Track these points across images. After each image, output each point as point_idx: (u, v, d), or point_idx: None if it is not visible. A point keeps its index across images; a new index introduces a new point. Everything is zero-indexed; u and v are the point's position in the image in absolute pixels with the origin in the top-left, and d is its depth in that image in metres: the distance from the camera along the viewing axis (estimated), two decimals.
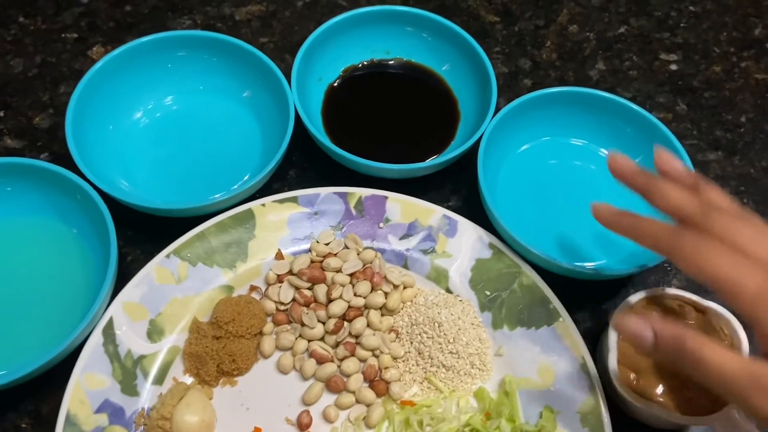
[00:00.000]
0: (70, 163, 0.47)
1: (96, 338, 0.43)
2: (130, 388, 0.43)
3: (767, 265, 0.32)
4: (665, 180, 0.38)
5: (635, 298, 0.45)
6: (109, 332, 0.43)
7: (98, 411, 0.41)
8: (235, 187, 0.51)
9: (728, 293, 0.32)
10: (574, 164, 0.55)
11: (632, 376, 0.43)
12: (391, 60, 0.60)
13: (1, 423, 0.44)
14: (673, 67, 0.64)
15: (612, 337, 0.43)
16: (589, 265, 0.49)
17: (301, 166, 0.56)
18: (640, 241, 0.37)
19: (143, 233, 0.51)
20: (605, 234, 0.51)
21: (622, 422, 0.44)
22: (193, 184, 0.53)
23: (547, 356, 0.45)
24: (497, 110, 0.52)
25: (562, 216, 0.53)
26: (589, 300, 0.50)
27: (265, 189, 0.53)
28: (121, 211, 0.48)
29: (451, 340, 0.45)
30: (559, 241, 0.51)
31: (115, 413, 0.42)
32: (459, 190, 0.55)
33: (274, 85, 0.53)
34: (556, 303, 0.46)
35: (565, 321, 0.45)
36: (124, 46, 0.52)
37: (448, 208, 0.52)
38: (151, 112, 0.55)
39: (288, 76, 0.52)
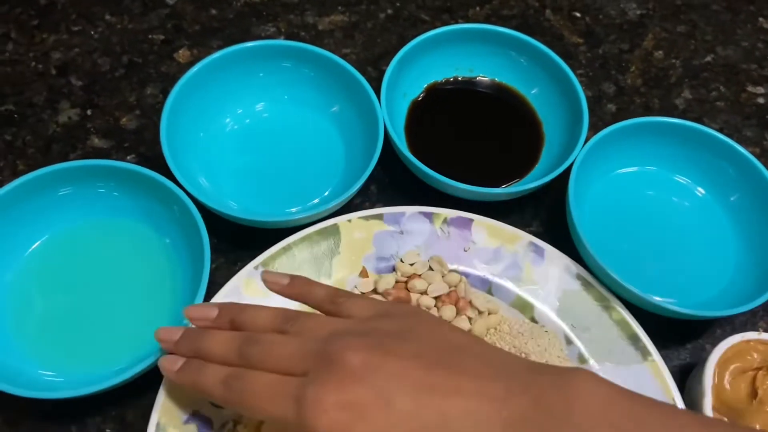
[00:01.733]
0: (156, 166, 0.47)
1: None
2: None
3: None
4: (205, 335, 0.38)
5: (733, 340, 0.44)
6: None
7: (187, 422, 0.41)
8: (325, 195, 0.51)
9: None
10: (662, 197, 0.54)
11: (726, 420, 0.42)
12: (475, 78, 0.59)
13: (84, 427, 0.44)
14: (761, 100, 0.62)
15: (707, 380, 0.42)
16: (678, 307, 0.48)
17: (382, 182, 0.55)
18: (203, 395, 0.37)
19: (226, 241, 0.51)
20: (691, 272, 0.51)
21: None
22: (274, 195, 0.53)
23: None
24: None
25: (645, 250, 0.52)
26: (675, 338, 0.49)
27: (347, 204, 0.53)
28: (205, 218, 0.48)
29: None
30: (642, 274, 0.50)
31: (204, 425, 0.42)
32: (539, 214, 0.55)
33: (362, 99, 0.52)
34: (646, 341, 0.45)
35: (656, 360, 0.45)
36: (221, 51, 0.52)
37: (530, 232, 0.51)
38: (240, 118, 0.55)
39: (372, 89, 0.52)
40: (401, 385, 0.31)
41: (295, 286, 0.40)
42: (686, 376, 0.47)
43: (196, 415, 0.42)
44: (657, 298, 0.45)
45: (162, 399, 0.41)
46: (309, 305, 0.40)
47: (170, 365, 0.38)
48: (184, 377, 0.37)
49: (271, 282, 0.40)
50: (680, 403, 0.43)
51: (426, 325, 0.35)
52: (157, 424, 0.41)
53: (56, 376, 0.43)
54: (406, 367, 0.32)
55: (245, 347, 0.35)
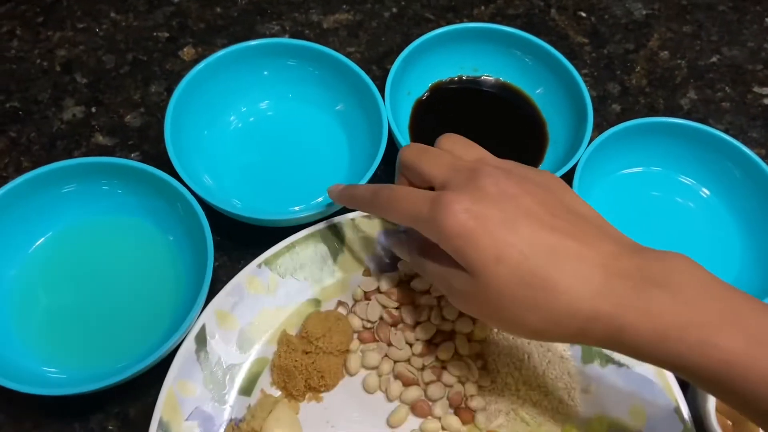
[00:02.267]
0: (160, 163, 0.47)
1: (189, 345, 0.43)
2: (220, 397, 0.43)
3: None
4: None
5: None
6: (201, 340, 0.43)
7: (189, 419, 0.42)
8: (324, 198, 0.51)
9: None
10: (667, 197, 0.54)
11: (729, 423, 0.41)
12: (480, 77, 0.59)
13: (87, 424, 0.44)
14: (767, 101, 0.62)
15: None
16: None
17: (385, 181, 0.55)
18: (355, 206, 0.44)
19: (230, 240, 0.51)
20: None
21: None
22: (277, 193, 0.53)
23: (641, 397, 0.44)
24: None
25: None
26: None
27: None
28: (209, 216, 0.48)
29: (541, 374, 0.44)
30: None
31: (206, 422, 0.42)
32: None
33: (366, 98, 0.52)
34: None
35: None
36: (226, 49, 0.52)
37: None
38: (244, 116, 0.55)
39: (376, 88, 0.52)
40: (528, 218, 0.34)
41: (343, 191, 0.46)
42: None
43: (198, 413, 0.42)
44: None
45: (165, 396, 0.41)
46: (357, 206, 0.44)
47: (334, 188, 0.46)
48: (344, 191, 0.45)
49: (330, 190, 0.46)
50: (683, 405, 0.43)
51: (560, 187, 0.38)
52: (160, 421, 0.41)
53: (59, 372, 0.43)
54: (536, 208, 0.35)
55: (380, 189, 0.40)
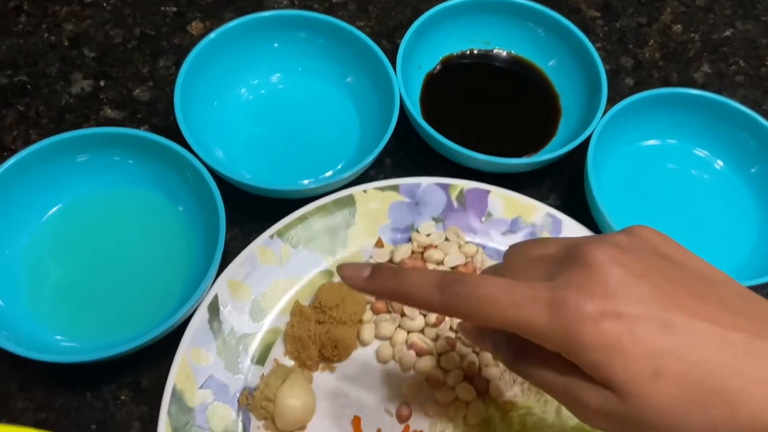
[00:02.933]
0: (169, 137, 0.47)
1: (202, 314, 0.43)
2: (233, 366, 0.43)
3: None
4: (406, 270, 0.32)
5: None
6: (214, 309, 0.43)
7: (203, 387, 0.41)
8: (339, 168, 0.51)
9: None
10: (682, 169, 0.53)
11: None
12: (491, 50, 0.58)
13: (99, 393, 0.44)
14: None
15: None
16: None
17: (396, 154, 0.55)
18: (406, 303, 0.32)
19: (241, 212, 0.50)
20: (712, 245, 0.50)
21: None
22: (288, 167, 0.52)
23: None
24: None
25: (664, 222, 0.51)
26: None
27: (362, 176, 0.52)
28: (219, 189, 0.48)
29: None
30: None
31: (220, 390, 0.42)
32: (556, 188, 0.54)
33: (377, 70, 0.52)
34: None
35: None
36: (234, 21, 0.51)
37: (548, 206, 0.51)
38: (255, 89, 0.54)
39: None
40: (675, 306, 0.27)
41: (381, 280, 0.32)
42: None
43: (212, 381, 0.42)
44: None
45: (178, 363, 0.41)
46: (412, 304, 0.31)
47: (356, 272, 0.32)
48: (378, 284, 0.32)
49: (349, 276, 0.33)
50: None
51: (679, 250, 0.30)
52: (173, 389, 0.40)
53: (70, 341, 0.43)
54: (675, 290, 0.27)
55: (452, 284, 0.30)
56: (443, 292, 0.30)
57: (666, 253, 0.30)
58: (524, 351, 0.31)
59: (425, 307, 0.31)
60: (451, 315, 0.31)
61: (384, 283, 0.32)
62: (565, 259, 0.29)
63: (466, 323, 0.35)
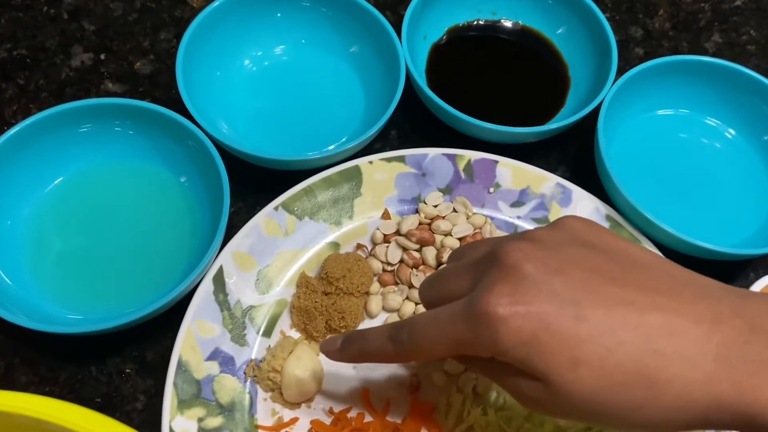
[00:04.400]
0: (173, 110, 0.46)
1: (207, 286, 0.42)
2: (239, 337, 0.42)
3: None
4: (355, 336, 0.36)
5: (763, 283, 0.43)
6: (219, 281, 0.43)
7: (209, 359, 0.41)
8: (343, 141, 0.50)
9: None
10: (693, 139, 0.52)
11: None
12: (498, 21, 0.57)
13: (104, 367, 0.44)
14: None
15: None
16: (713, 245, 0.47)
17: (402, 127, 0.54)
18: (373, 361, 0.36)
19: (243, 185, 0.50)
20: (724, 214, 0.50)
21: None
22: (292, 139, 0.51)
23: None
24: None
25: (676, 192, 0.50)
26: None
27: (367, 148, 0.51)
28: (223, 162, 0.47)
29: None
30: (673, 217, 0.49)
31: (226, 362, 0.41)
32: (565, 159, 0.53)
33: (382, 39, 0.51)
34: None
35: None
36: None
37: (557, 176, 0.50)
38: (258, 60, 0.53)
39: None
40: (589, 297, 0.27)
41: (348, 348, 0.36)
42: None
43: (217, 353, 0.41)
44: (691, 239, 0.44)
45: (183, 335, 0.41)
46: (377, 360, 0.35)
47: (330, 346, 0.37)
48: (347, 351, 0.36)
49: (324, 351, 0.37)
50: None
51: (595, 233, 0.31)
52: (179, 361, 0.40)
53: (74, 314, 0.43)
54: (590, 278, 0.28)
55: (397, 332, 0.33)
56: (394, 343, 0.33)
57: (589, 241, 0.30)
58: (476, 360, 0.32)
59: (387, 360, 0.35)
60: (406, 361, 0.36)
61: (351, 349, 0.36)
62: (486, 262, 0.30)
63: None
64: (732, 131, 0.52)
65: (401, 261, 0.46)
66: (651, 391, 0.27)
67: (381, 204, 0.48)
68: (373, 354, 0.34)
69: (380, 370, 0.43)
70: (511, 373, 0.29)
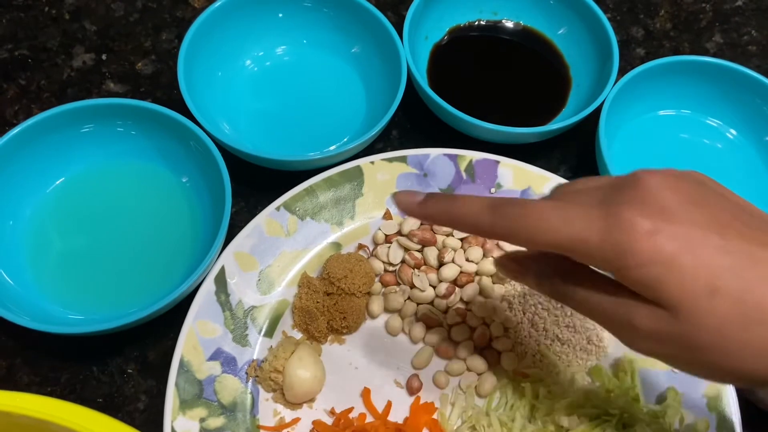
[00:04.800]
0: (174, 111, 0.46)
1: (208, 286, 0.42)
2: (241, 338, 0.42)
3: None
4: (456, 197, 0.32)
5: None
6: (221, 281, 0.43)
7: (211, 359, 0.41)
8: (344, 141, 0.50)
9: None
10: (694, 139, 0.53)
11: None
12: (500, 21, 0.57)
13: (106, 368, 0.44)
14: None
15: None
16: None
17: (403, 127, 0.54)
18: (456, 226, 0.32)
19: (245, 186, 0.50)
20: None
21: (750, 410, 0.42)
22: (293, 140, 0.51)
23: None
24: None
25: None
26: None
27: (368, 149, 0.51)
28: (225, 162, 0.47)
29: (569, 313, 0.43)
30: None
31: (228, 362, 0.41)
32: (567, 160, 0.53)
33: (383, 39, 0.51)
34: None
35: None
36: None
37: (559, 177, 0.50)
38: (260, 60, 0.54)
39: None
40: (731, 232, 0.27)
41: (433, 204, 0.32)
42: None
43: (219, 353, 0.41)
44: None
45: (185, 335, 0.41)
46: (462, 227, 0.31)
47: (410, 197, 0.32)
48: (431, 208, 0.32)
49: (402, 201, 0.33)
50: None
51: (720, 186, 0.30)
52: (181, 360, 0.40)
53: (76, 314, 0.43)
54: (729, 218, 0.27)
55: (504, 206, 0.29)
56: (494, 213, 0.29)
57: (715, 188, 0.29)
58: (570, 276, 0.30)
59: (476, 229, 0.31)
60: (501, 237, 0.30)
61: (435, 207, 0.32)
62: (619, 184, 0.28)
63: (504, 259, 0.34)
64: (733, 132, 0.52)
65: (403, 261, 0.46)
66: None
67: (382, 204, 0.48)
68: (462, 219, 0.31)
69: (382, 370, 0.43)
70: (627, 298, 0.28)
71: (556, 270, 0.31)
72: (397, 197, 0.33)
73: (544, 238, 0.28)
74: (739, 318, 0.26)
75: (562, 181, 0.48)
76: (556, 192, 0.32)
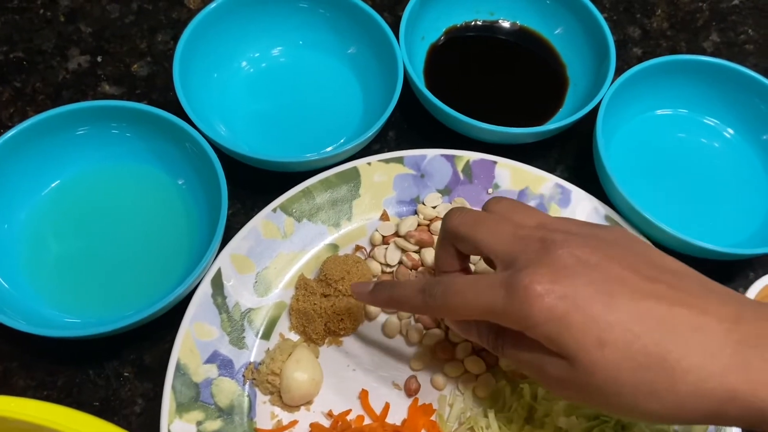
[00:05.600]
0: (170, 112, 0.46)
1: (205, 288, 0.42)
2: (238, 340, 0.42)
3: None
4: (396, 283, 0.38)
5: (763, 282, 0.43)
6: (217, 283, 0.42)
7: (207, 362, 0.41)
8: (341, 143, 0.50)
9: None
10: (691, 139, 0.52)
11: None
12: (496, 21, 0.57)
13: (102, 371, 0.44)
14: None
15: None
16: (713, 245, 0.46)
17: (400, 128, 0.54)
18: (400, 308, 0.40)
19: (242, 187, 0.50)
20: (724, 214, 0.49)
21: None
22: (290, 142, 0.51)
23: None
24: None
25: (675, 192, 0.50)
26: None
27: (365, 150, 0.51)
28: (221, 164, 0.47)
29: None
30: (672, 217, 0.48)
31: (224, 365, 0.41)
32: (564, 160, 0.53)
33: (380, 40, 0.51)
34: None
35: None
36: None
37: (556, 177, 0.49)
38: (256, 62, 0.53)
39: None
40: (623, 287, 0.30)
41: (379, 292, 0.38)
42: None
43: (216, 356, 0.41)
44: (690, 239, 0.44)
45: (182, 338, 0.40)
46: (405, 309, 0.39)
47: (362, 288, 0.38)
48: (378, 295, 0.37)
49: (355, 292, 0.39)
50: None
51: (639, 243, 0.34)
52: (177, 364, 0.40)
53: (72, 317, 0.43)
54: (627, 274, 0.31)
55: (431, 287, 0.35)
56: (424, 295, 0.35)
57: (629, 245, 0.33)
58: (501, 335, 0.34)
59: (415, 310, 0.39)
60: (434, 315, 0.38)
61: (381, 294, 0.37)
62: (534, 240, 0.32)
63: (452, 322, 0.38)
64: (730, 131, 0.52)
65: (400, 262, 0.45)
66: (669, 377, 0.29)
67: (380, 205, 0.47)
68: (402, 302, 0.36)
69: (380, 372, 0.43)
70: (538, 351, 0.31)
71: (490, 328, 0.35)
72: (352, 288, 0.39)
73: (464, 310, 0.33)
74: (628, 365, 0.29)
75: (560, 181, 0.48)
76: (492, 208, 0.36)
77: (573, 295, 0.30)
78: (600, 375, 0.29)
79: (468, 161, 0.49)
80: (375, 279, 0.45)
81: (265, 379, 0.40)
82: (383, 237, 0.46)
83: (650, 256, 0.32)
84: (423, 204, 0.47)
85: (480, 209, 0.36)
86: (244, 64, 0.53)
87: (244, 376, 0.41)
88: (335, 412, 0.41)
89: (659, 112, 0.53)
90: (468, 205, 0.47)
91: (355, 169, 0.47)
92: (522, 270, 0.31)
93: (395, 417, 0.41)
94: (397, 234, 0.46)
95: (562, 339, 0.30)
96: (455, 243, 0.36)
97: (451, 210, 0.37)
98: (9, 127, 0.45)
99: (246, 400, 0.41)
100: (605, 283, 0.30)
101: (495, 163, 0.49)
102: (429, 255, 0.45)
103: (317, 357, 0.43)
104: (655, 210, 0.45)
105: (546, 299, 0.30)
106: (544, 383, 0.33)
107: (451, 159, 0.49)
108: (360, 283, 0.39)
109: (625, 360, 0.29)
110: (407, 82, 0.50)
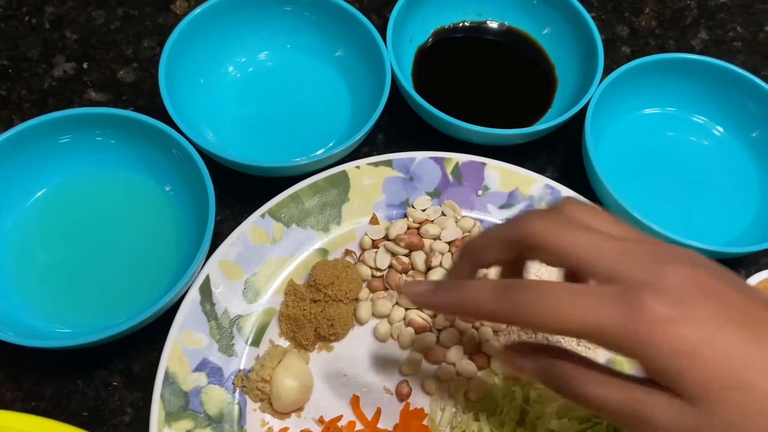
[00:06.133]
0: (157, 119, 0.45)
1: (193, 296, 0.42)
2: (227, 348, 0.41)
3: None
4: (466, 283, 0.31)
5: (755, 279, 0.43)
6: (206, 291, 0.42)
7: (197, 370, 0.40)
8: (330, 146, 0.50)
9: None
10: (681, 137, 0.52)
11: None
12: (484, 22, 0.57)
13: (91, 381, 0.43)
14: None
15: None
16: (703, 244, 0.46)
17: (389, 131, 0.54)
18: (470, 316, 0.32)
19: (230, 193, 0.49)
20: (714, 213, 0.49)
21: None
22: (278, 146, 0.51)
23: None
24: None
25: (664, 191, 0.50)
26: None
27: (354, 153, 0.51)
28: (208, 170, 0.46)
29: None
30: (663, 217, 0.48)
31: (214, 373, 0.40)
32: (554, 161, 0.53)
33: (366, 42, 0.50)
34: None
35: None
36: None
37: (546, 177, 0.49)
38: (242, 66, 0.53)
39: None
40: (744, 320, 0.26)
41: (442, 293, 0.31)
42: None
43: (205, 363, 0.41)
44: (681, 239, 0.44)
45: (170, 346, 0.40)
46: (474, 315, 0.33)
47: (416, 288, 0.32)
48: (440, 297, 0.31)
49: (412, 293, 0.33)
50: None
51: (725, 269, 0.29)
52: (166, 372, 0.39)
53: (59, 327, 0.42)
54: (743, 304, 0.27)
55: (515, 290, 0.29)
56: (506, 300, 0.28)
57: (722, 276, 0.28)
58: (573, 373, 0.29)
59: (487, 317, 0.30)
60: (514, 323, 0.30)
61: (445, 297, 0.31)
62: (643, 256, 0.27)
63: (509, 351, 0.32)
64: (720, 128, 0.52)
65: (390, 266, 0.45)
66: None
67: (369, 209, 0.47)
68: (471, 306, 0.30)
69: (371, 377, 0.42)
70: (640, 389, 0.27)
71: (554, 365, 0.30)
72: (405, 290, 0.33)
73: (557, 324, 0.27)
74: (758, 409, 0.25)
75: (550, 182, 0.48)
76: (565, 213, 0.30)
77: (704, 324, 0.26)
78: (729, 421, 0.25)
79: (457, 163, 0.48)
80: (365, 283, 0.45)
81: (255, 386, 0.40)
82: (373, 241, 0.46)
83: (745, 288, 0.28)
84: (412, 207, 0.47)
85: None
86: (230, 68, 0.53)
87: (233, 383, 0.41)
88: (326, 419, 0.41)
89: (648, 111, 0.53)
90: (458, 208, 0.47)
91: (343, 173, 0.47)
92: (639, 289, 0.26)
93: (387, 422, 0.41)
94: (386, 237, 0.46)
95: (685, 375, 0.26)
96: (528, 252, 0.30)
97: (528, 216, 0.30)
98: None
99: (236, 408, 0.40)
100: (727, 312, 0.26)
101: (484, 164, 0.48)
102: (419, 258, 0.45)
103: (308, 363, 0.42)
104: (645, 209, 0.45)
105: (676, 326, 0.25)
106: (642, 429, 0.27)
107: (440, 161, 0.48)
108: (413, 282, 0.33)
109: (757, 404, 0.25)
110: (395, 84, 0.50)
